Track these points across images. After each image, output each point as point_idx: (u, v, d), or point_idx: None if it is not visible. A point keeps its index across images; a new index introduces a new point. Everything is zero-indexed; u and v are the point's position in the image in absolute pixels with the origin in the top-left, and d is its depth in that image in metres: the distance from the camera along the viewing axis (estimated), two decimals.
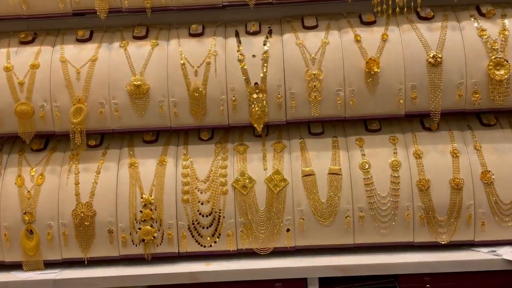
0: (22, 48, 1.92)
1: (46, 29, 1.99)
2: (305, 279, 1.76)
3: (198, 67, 1.86)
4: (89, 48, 1.91)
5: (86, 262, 1.82)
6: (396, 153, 1.85)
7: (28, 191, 1.84)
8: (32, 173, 1.87)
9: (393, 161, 1.83)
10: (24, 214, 1.81)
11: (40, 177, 1.86)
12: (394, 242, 1.81)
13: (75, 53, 1.90)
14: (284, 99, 1.85)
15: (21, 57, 1.89)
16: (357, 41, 1.86)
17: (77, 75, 1.86)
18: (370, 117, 1.89)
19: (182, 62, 1.87)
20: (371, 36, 1.87)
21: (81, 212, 1.81)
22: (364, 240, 1.81)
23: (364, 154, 1.85)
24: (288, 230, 1.81)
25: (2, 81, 1.85)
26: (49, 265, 1.83)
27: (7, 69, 1.86)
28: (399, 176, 1.81)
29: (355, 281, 1.79)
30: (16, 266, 1.82)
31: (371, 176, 1.81)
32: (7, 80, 1.85)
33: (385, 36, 1.86)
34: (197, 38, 1.92)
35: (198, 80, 1.85)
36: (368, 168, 1.82)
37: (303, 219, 1.80)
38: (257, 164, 1.87)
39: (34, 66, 1.87)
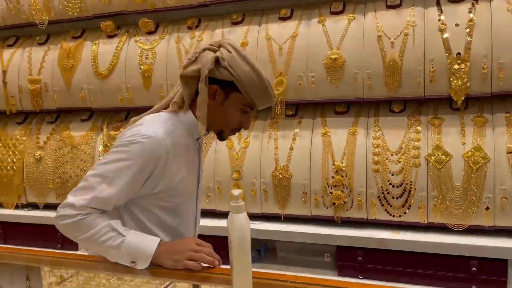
0: (233, 28, 2.20)
1: (253, 9, 2.24)
2: (505, 260, 1.66)
3: (395, 38, 1.87)
4: (290, 26, 2.09)
5: (282, 218, 2.05)
6: None
7: (236, 153, 2.14)
8: (239, 137, 2.16)
9: None
10: (233, 171, 2.11)
11: (245, 141, 2.14)
12: None
13: (278, 30, 2.10)
14: (490, 70, 1.74)
15: (233, 36, 2.17)
16: None
17: (280, 51, 2.06)
18: None
19: (378, 34, 1.90)
20: None
21: (279, 173, 2.03)
22: None
23: None
24: (487, 208, 1.72)
25: None
26: (251, 217, 2.10)
27: None
28: None
29: None
30: (225, 215, 2.15)
31: None
32: None
33: None
34: (395, 9, 1.92)
35: (395, 52, 1.87)
36: None
37: (506, 198, 1.69)
38: (454, 138, 1.81)
39: (244, 44, 2.13)
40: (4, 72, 2.61)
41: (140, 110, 2.40)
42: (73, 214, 1.09)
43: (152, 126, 1.15)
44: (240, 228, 1.02)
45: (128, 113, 2.51)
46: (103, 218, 1.11)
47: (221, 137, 1.22)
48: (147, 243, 1.11)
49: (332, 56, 1.95)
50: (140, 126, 1.15)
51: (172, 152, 1.13)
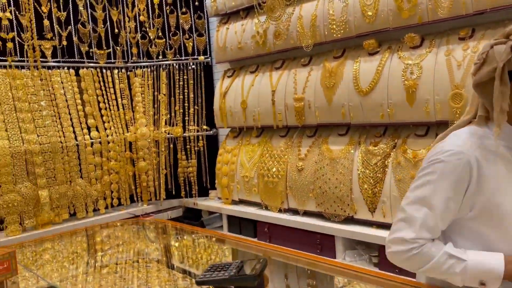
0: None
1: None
2: None
3: None
4: None
5: None
6: None
7: None
8: None
9: None
10: None
11: None
12: None
13: None
14: None
15: None
16: None
17: None
18: None
19: None
20: None
21: None
22: None
23: None
24: None
25: None
26: None
27: None
28: None
29: None
30: None
31: None
32: None
33: None
34: None
35: None
36: None
37: None
38: None
39: None
40: (273, 92, 2.99)
41: (399, 126, 2.42)
42: (406, 249, 1.10)
43: (456, 140, 1.11)
44: None
45: (385, 128, 2.52)
46: (436, 246, 1.09)
47: None
48: (492, 262, 1.05)
49: None
50: (443, 143, 1.12)
51: (485, 167, 1.06)
